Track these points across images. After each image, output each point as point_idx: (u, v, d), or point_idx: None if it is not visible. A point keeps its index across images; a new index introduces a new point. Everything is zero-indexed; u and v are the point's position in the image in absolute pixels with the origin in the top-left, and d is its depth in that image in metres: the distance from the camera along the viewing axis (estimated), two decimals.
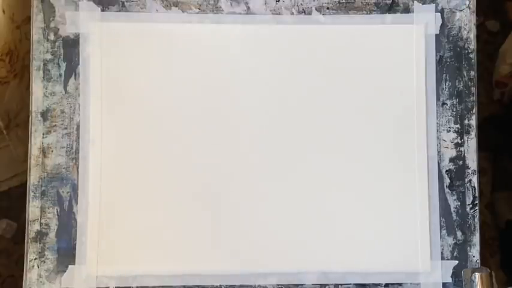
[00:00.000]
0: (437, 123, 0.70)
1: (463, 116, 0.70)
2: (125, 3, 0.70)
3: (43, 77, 0.69)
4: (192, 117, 0.69)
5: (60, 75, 0.69)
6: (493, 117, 1.20)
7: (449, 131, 0.70)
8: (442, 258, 0.69)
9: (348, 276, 0.68)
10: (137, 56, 0.69)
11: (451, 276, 0.68)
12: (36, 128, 0.69)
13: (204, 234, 0.68)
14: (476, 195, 0.69)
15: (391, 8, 0.71)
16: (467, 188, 0.70)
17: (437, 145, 0.70)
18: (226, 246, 0.68)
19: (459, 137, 0.70)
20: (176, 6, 0.70)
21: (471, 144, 0.70)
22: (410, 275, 0.68)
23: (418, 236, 0.68)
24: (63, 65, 0.69)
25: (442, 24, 0.70)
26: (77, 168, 0.68)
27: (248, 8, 0.70)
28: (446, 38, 0.70)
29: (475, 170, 0.70)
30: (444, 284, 0.68)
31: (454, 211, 0.69)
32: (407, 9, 0.71)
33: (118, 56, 0.69)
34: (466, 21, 0.71)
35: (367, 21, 0.70)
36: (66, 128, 0.69)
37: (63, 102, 0.69)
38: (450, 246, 0.69)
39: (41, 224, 0.68)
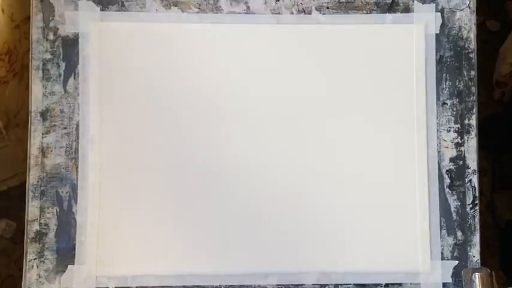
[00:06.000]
0: (437, 123, 0.70)
1: (463, 116, 0.70)
2: (125, 2, 0.70)
3: (42, 77, 0.69)
4: (191, 117, 0.69)
5: (60, 74, 0.69)
6: (493, 117, 1.20)
7: (450, 130, 0.70)
8: (442, 258, 0.69)
9: (348, 276, 0.68)
10: (137, 55, 0.69)
11: (451, 276, 0.68)
12: (36, 128, 0.69)
13: (204, 235, 0.68)
14: (476, 195, 0.69)
15: (391, 8, 0.70)
16: (467, 188, 0.69)
17: (438, 145, 0.70)
18: (226, 247, 0.68)
19: (459, 137, 0.70)
20: (176, 6, 0.70)
21: (471, 144, 0.70)
22: (410, 275, 0.68)
23: (418, 236, 0.68)
24: (63, 65, 0.69)
25: (442, 24, 0.70)
26: (77, 168, 0.68)
27: (248, 7, 0.70)
28: (446, 38, 0.70)
29: (475, 170, 0.70)
30: (444, 284, 0.68)
31: (454, 211, 0.69)
32: (407, 9, 0.70)
33: (117, 55, 0.69)
34: (466, 20, 0.71)
35: (367, 21, 0.70)
36: (65, 128, 0.69)
37: (62, 101, 0.69)
38: (450, 246, 0.69)
39: (40, 224, 0.68)
